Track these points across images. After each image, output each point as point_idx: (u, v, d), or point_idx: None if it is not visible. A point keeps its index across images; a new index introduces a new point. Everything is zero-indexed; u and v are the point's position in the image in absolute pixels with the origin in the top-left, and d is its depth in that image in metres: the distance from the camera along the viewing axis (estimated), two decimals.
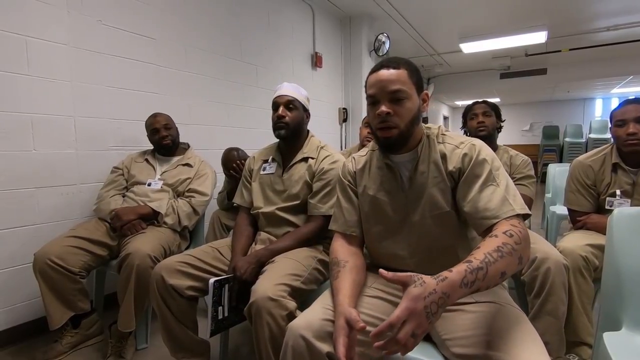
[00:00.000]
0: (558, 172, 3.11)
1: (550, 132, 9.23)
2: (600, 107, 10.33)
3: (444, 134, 1.06)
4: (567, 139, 8.63)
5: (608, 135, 8.21)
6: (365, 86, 1.05)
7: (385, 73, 0.99)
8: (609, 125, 1.65)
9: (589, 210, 1.67)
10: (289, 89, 1.53)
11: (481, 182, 0.93)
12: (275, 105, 1.52)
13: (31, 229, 1.85)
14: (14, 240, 1.80)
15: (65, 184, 1.96)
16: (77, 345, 1.68)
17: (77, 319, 1.66)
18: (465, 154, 0.98)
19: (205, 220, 2.13)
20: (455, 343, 0.85)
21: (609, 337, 0.97)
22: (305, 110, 1.57)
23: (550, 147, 8.90)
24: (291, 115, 1.49)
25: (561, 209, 2.86)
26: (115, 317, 1.62)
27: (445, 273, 0.72)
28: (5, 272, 1.79)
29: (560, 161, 8.50)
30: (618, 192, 1.59)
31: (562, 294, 1.31)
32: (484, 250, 0.77)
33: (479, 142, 1.01)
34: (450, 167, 0.99)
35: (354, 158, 1.20)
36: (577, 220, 1.69)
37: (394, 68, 0.99)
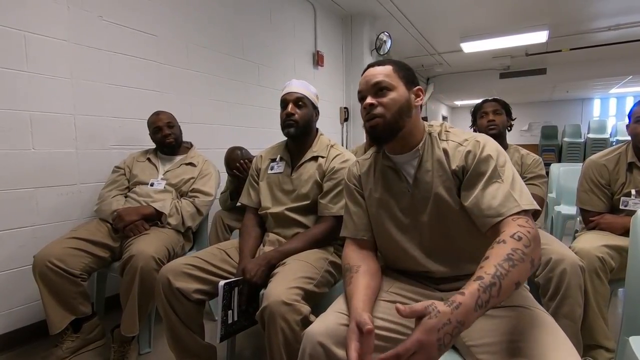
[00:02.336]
0: (562, 172, 3.08)
1: (549, 132, 9.25)
2: (599, 107, 10.39)
3: (448, 131, 1.03)
4: (565, 139, 8.66)
5: (606, 135, 8.24)
6: None
7: (370, 70, 1.03)
8: (627, 122, 1.62)
9: (602, 211, 1.64)
10: (298, 86, 1.49)
11: (485, 180, 0.90)
12: (284, 103, 1.48)
13: (30, 230, 1.80)
14: (12, 241, 1.75)
15: (65, 184, 1.91)
16: (77, 350, 1.63)
17: (78, 322, 1.62)
18: (468, 152, 0.94)
19: (207, 221, 2.08)
20: (481, 350, 0.82)
21: (635, 342, 0.94)
22: (315, 108, 1.53)
23: (548, 147, 8.91)
24: (300, 113, 1.45)
25: (566, 209, 2.84)
26: (117, 320, 1.58)
27: (458, 298, 0.68)
28: (3, 275, 1.73)
29: (559, 161, 8.51)
30: (633, 191, 1.56)
31: (579, 296, 1.29)
32: (494, 262, 0.73)
33: (483, 138, 0.97)
34: (454, 166, 0.95)
35: (357, 162, 1.17)
36: (590, 221, 1.66)
37: (379, 65, 1.03)
